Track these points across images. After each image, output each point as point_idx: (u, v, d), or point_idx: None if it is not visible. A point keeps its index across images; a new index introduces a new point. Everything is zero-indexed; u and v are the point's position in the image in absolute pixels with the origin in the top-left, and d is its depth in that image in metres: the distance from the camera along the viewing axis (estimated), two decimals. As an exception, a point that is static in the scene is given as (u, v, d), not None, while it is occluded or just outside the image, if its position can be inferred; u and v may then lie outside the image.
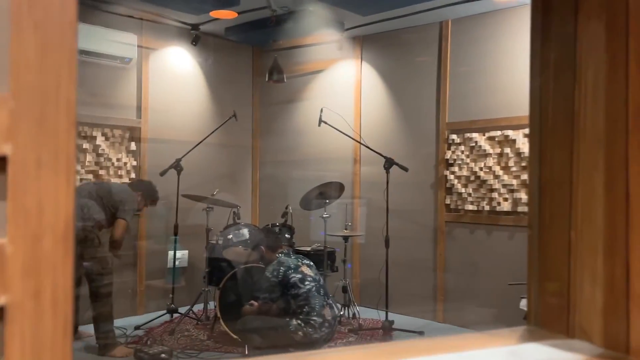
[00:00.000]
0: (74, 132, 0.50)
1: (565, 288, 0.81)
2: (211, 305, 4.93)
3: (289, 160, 6.22)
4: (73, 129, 0.50)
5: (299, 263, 3.92)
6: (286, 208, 5.05)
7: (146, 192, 4.61)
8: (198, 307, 5.10)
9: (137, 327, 4.69)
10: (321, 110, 4.83)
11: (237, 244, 4.67)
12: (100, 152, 5.00)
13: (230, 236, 4.74)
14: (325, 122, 4.83)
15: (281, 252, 4.02)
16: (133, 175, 5.24)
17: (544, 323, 0.86)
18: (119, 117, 5.14)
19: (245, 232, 4.75)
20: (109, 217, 4.26)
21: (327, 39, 5.73)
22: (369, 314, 5.19)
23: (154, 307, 5.23)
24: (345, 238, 5.06)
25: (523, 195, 4.58)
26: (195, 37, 5.59)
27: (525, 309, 3.28)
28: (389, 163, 4.55)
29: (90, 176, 4.94)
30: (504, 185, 4.67)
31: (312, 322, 3.71)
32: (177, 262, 5.24)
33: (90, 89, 4.93)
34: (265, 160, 6.46)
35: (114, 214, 4.25)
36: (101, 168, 5.03)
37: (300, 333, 3.69)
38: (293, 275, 3.82)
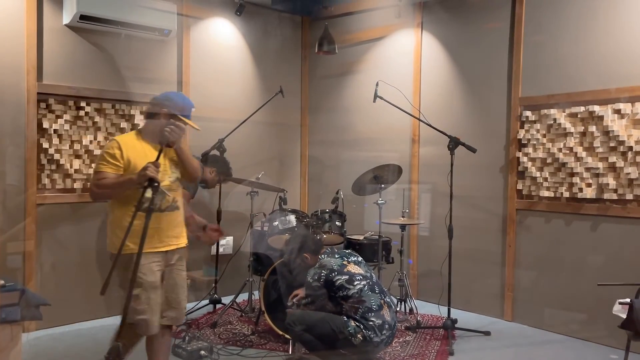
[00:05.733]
0: None
1: None
2: (256, 295, 4.70)
3: (340, 140, 5.86)
4: None
5: (344, 262, 3.51)
6: (337, 193, 4.72)
7: (219, 166, 4.50)
8: (243, 297, 4.87)
9: (177, 319, 4.45)
10: (376, 84, 4.43)
11: (284, 231, 4.33)
12: (139, 131, 4.71)
13: (276, 223, 4.41)
14: (381, 98, 4.44)
15: (324, 253, 3.61)
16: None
17: None
18: (158, 94, 4.82)
19: (292, 218, 4.42)
20: None
21: (383, 4, 5.30)
22: (428, 309, 4.85)
23: (196, 296, 4.99)
24: (402, 227, 4.70)
25: (610, 181, 3.99)
26: (240, 7, 5.24)
27: (621, 314, 2.66)
28: (454, 143, 4.07)
29: (128, 157, 4.67)
30: (588, 169, 4.13)
31: (370, 324, 3.31)
32: (221, 249, 5.02)
33: (128, 64, 4.68)
34: (314, 140, 6.10)
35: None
36: (140, 148, 4.74)
37: (359, 336, 3.31)
38: (337, 277, 3.43)
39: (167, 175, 2.92)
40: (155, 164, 2.66)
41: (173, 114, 2.92)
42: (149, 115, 3.04)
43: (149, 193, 2.52)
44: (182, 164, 2.98)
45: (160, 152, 2.73)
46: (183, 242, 3.06)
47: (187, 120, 2.95)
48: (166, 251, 2.94)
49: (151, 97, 4.66)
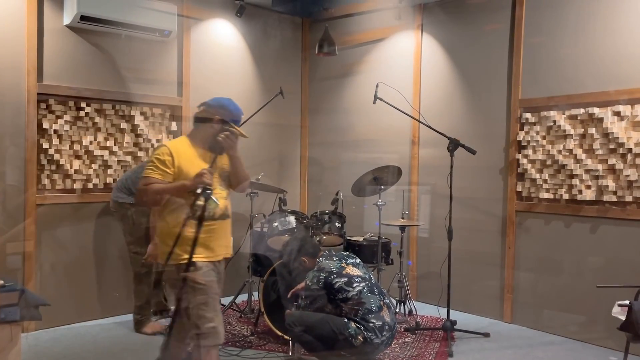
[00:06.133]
0: None
1: None
2: (255, 296, 4.71)
3: (340, 141, 5.85)
4: None
5: (343, 264, 3.50)
6: (337, 194, 4.71)
7: None
8: (242, 298, 4.88)
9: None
10: (376, 86, 4.43)
11: (283, 232, 4.33)
12: (139, 132, 4.73)
13: (276, 224, 4.41)
14: (381, 99, 4.43)
15: (322, 256, 3.61)
16: (174, 157, 4.95)
17: None
18: (158, 95, 4.87)
19: (292, 219, 4.41)
20: None
21: (383, 6, 5.29)
22: (427, 311, 4.84)
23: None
24: (402, 228, 4.69)
25: (610, 183, 3.99)
26: (240, 8, 5.24)
27: (620, 316, 2.67)
28: (453, 145, 4.08)
29: (128, 158, 4.67)
30: (587, 171, 4.12)
31: (371, 325, 3.30)
32: (220, 250, 4.98)
33: (128, 64, 4.69)
34: (314, 141, 6.09)
35: None
36: (140, 149, 4.76)
37: (360, 338, 3.30)
38: (336, 279, 3.42)
39: (219, 183, 2.84)
40: (210, 170, 2.60)
41: (224, 120, 2.84)
42: (198, 120, 2.91)
43: (201, 200, 2.43)
44: (235, 172, 2.89)
45: (214, 159, 2.67)
46: (230, 251, 2.96)
47: (237, 128, 2.87)
48: (217, 261, 2.84)
49: (151, 97, 4.75)
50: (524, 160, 4.49)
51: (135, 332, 4.24)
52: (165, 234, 2.76)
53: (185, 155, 2.79)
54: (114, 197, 4.24)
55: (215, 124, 2.83)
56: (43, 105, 4.24)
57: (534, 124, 4.44)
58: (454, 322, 4.17)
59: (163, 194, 2.71)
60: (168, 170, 2.73)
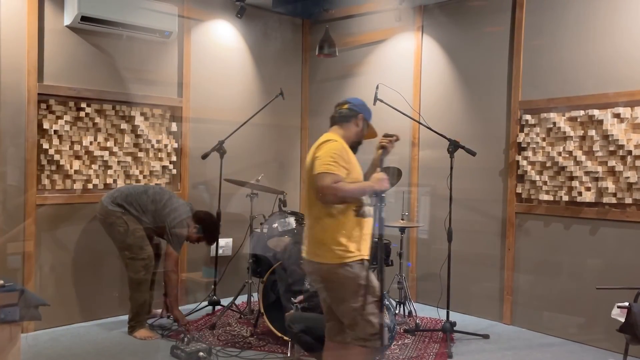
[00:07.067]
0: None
1: None
2: (255, 297, 4.71)
3: (340, 142, 5.79)
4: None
5: None
6: (337, 195, 4.62)
7: (207, 229, 4.46)
8: (242, 299, 4.89)
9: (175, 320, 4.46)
10: (377, 87, 4.42)
11: (283, 233, 4.33)
12: (139, 132, 4.73)
13: (276, 225, 4.41)
14: (381, 100, 4.42)
15: None
16: (174, 158, 4.96)
17: None
18: (158, 96, 4.87)
19: (291, 220, 4.40)
20: (154, 226, 4.27)
21: (383, 7, 5.30)
22: (427, 312, 4.84)
23: (195, 298, 4.99)
24: (402, 229, 4.68)
25: (610, 184, 4.00)
26: (241, 9, 5.25)
27: (620, 318, 2.67)
28: (454, 146, 4.08)
29: (128, 158, 4.68)
30: (587, 173, 4.13)
31: None
32: (220, 251, 5.01)
33: (128, 65, 4.69)
34: (314, 142, 6.05)
35: (162, 231, 4.27)
36: (140, 150, 4.76)
37: None
38: None
39: None
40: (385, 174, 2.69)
41: (366, 120, 2.99)
42: (344, 118, 2.96)
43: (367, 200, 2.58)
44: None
45: (382, 162, 2.79)
46: None
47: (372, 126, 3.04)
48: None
49: (152, 98, 4.76)
50: (524, 162, 4.49)
51: (128, 334, 4.22)
52: (336, 233, 2.68)
53: (348, 152, 2.83)
54: (106, 203, 4.15)
55: (360, 122, 2.95)
56: (43, 106, 4.25)
57: (534, 125, 4.44)
58: (453, 324, 4.17)
59: (353, 194, 2.67)
60: (347, 166, 2.70)
